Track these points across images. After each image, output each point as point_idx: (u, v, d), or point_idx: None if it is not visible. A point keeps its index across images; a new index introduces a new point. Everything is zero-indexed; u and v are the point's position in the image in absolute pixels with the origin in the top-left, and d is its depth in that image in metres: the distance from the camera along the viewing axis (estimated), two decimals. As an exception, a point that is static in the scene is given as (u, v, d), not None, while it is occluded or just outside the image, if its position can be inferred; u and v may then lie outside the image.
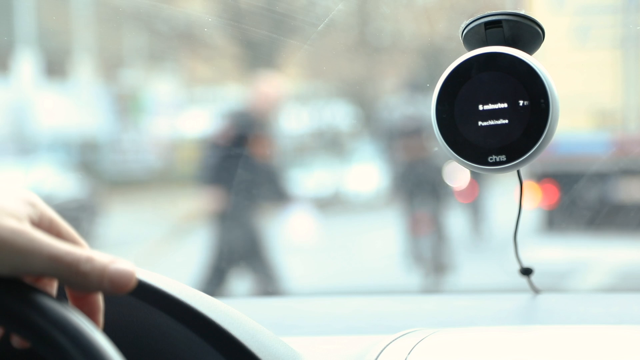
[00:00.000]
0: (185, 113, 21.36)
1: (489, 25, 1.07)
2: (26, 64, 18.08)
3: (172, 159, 20.39)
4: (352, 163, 18.53)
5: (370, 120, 22.08)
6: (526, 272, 1.61)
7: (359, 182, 17.81)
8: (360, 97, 21.16)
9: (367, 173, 17.92)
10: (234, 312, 1.09)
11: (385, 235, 12.41)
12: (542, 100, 1.03)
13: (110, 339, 0.80)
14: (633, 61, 8.93)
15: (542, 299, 1.72)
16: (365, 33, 19.78)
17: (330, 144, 20.55)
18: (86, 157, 17.95)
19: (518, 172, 1.32)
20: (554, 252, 7.92)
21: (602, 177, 8.83)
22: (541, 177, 8.63)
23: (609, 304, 1.78)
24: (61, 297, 0.86)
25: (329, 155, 19.47)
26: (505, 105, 1.04)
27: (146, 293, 1.03)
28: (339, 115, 21.76)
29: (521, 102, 1.03)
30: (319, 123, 21.69)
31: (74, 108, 18.94)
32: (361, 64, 19.80)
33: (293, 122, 21.27)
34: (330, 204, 16.55)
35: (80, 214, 12.23)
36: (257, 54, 17.61)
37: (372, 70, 20.27)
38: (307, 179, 17.04)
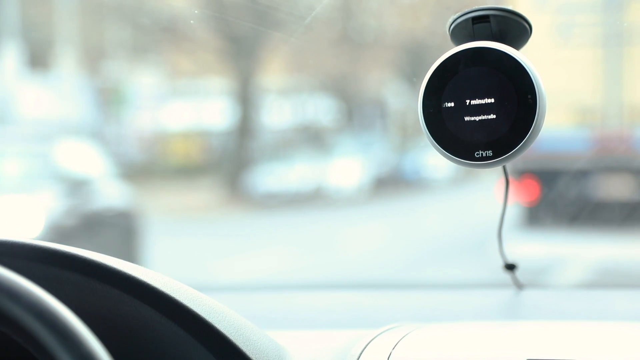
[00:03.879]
0: (168, 106, 21.27)
1: (476, 20, 1.06)
2: (9, 55, 17.99)
3: (154, 151, 20.31)
4: (334, 157, 18.46)
5: (352, 114, 22.09)
6: (510, 267, 1.60)
7: (341, 176, 17.77)
8: (344, 92, 21.12)
9: (349, 167, 17.89)
10: (219, 306, 1.08)
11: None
12: (529, 96, 1.02)
13: (95, 332, 0.79)
14: (614, 59, 8.97)
15: (525, 295, 1.71)
16: (349, 28, 19.76)
17: (313, 138, 20.52)
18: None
19: (504, 167, 1.31)
20: (534, 248, 7.91)
21: (582, 174, 8.85)
22: (522, 173, 8.62)
23: (592, 300, 1.78)
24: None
25: (312, 149, 19.43)
26: (492, 100, 1.03)
27: (131, 286, 1.02)
28: (322, 109, 21.71)
29: (508, 98, 1.02)
30: (302, 117, 21.63)
31: (56, 100, 18.84)
32: (345, 59, 19.78)
33: (277, 116, 21.22)
34: (312, 198, 16.54)
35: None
36: (240, 48, 17.60)
37: (356, 65, 20.26)
38: (289, 173, 17.00)
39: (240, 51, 17.41)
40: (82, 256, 1.03)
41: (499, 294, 1.82)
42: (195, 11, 12.26)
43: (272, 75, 19.88)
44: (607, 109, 9.14)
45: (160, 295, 1.03)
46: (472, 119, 1.04)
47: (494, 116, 1.03)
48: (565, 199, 8.81)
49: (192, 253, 11.10)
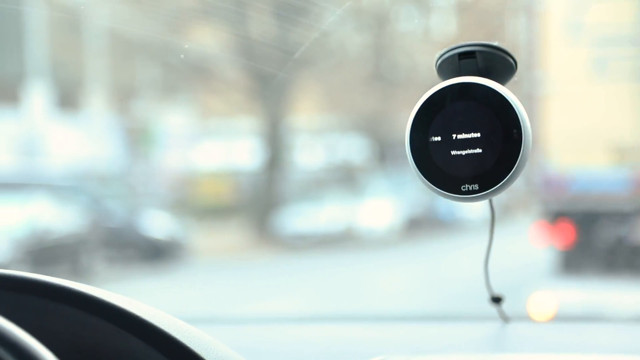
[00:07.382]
0: (198, 145, 21.29)
1: (462, 55, 1.09)
2: (37, 95, 17.99)
3: (184, 191, 20.25)
4: (365, 198, 18.35)
5: (384, 154, 21.98)
6: (496, 300, 1.62)
7: (372, 217, 17.62)
8: (376, 131, 21.07)
9: (381, 208, 17.74)
10: (207, 338, 1.10)
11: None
12: (514, 131, 1.03)
13: None
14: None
15: (511, 328, 1.74)
16: (381, 66, 19.69)
17: (344, 178, 20.42)
18: (98, 191, 17.76)
19: (490, 201, 1.35)
20: (571, 295, 7.69)
21: (621, 216, 8.53)
22: (557, 216, 8.34)
23: (576, 333, 1.84)
24: None
25: (343, 189, 19.33)
26: (479, 134, 1.05)
27: (120, 318, 1.04)
28: (354, 148, 21.67)
29: (494, 132, 1.04)
30: (334, 157, 21.58)
31: (86, 140, 18.87)
32: (376, 98, 19.72)
33: (307, 156, 21.16)
34: (342, 239, 16.39)
35: (79, 248, 12.09)
36: (270, 87, 17.50)
37: (388, 103, 20.17)
38: (319, 214, 16.92)
39: (270, 90, 17.34)
40: (71, 288, 1.05)
41: (486, 326, 1.86)
42: (222, 51, 12.20)
43: (303, 115, 19.87)
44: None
45: (150, 328, 1.04)
46: (459, 153, 1.06)
47: (480, 150, 1.05)
48: (603, 243, 8.48)
49: (217, 298, 10.93)
